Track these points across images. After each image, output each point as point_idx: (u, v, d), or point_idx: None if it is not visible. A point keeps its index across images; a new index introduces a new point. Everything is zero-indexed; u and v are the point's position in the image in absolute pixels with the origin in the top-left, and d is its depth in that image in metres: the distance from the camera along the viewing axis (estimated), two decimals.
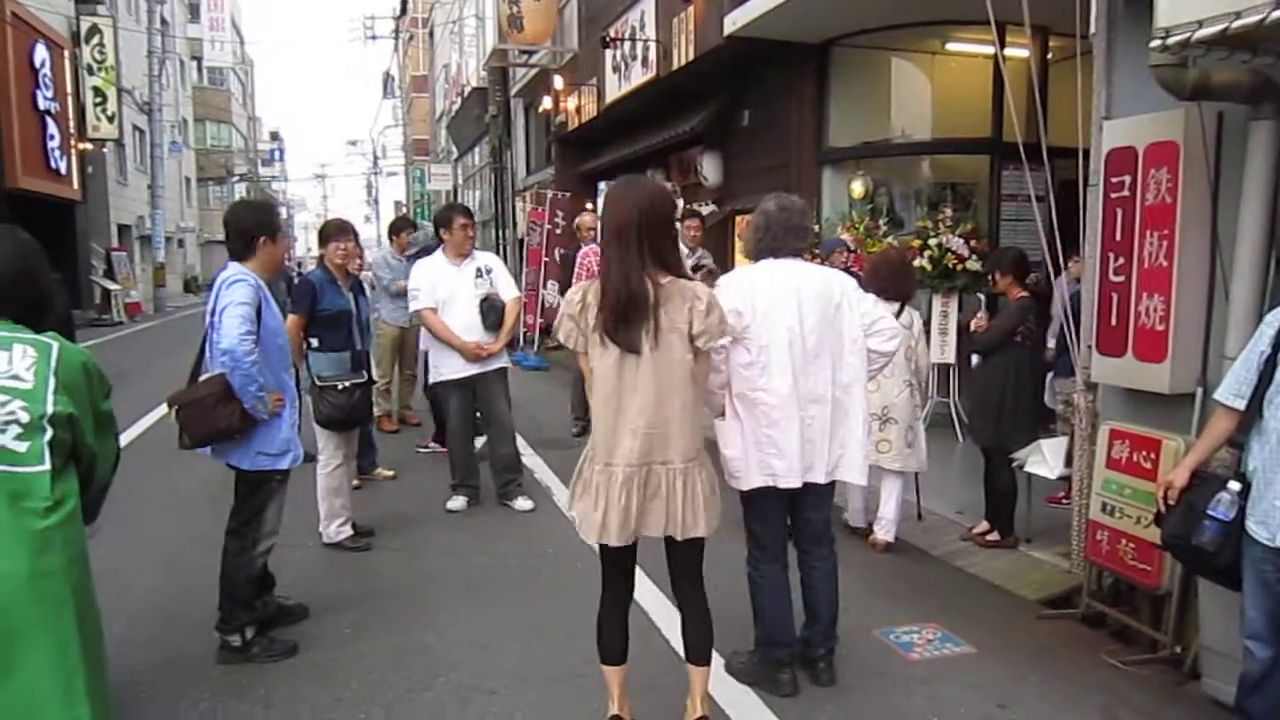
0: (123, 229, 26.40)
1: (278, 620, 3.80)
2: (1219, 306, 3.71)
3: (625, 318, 2.66)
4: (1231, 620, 3.29)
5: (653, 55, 10.24)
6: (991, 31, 7.94)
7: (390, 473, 6.39)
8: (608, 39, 10.19)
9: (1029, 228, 8.12)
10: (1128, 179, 3.92)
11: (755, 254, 3.39)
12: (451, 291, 5.28)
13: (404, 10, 21.71)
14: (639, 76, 10.63)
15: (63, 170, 19.25)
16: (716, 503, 2.86)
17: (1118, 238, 3.98)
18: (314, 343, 4.67)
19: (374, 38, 38.46)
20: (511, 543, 5.09)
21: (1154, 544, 3.70)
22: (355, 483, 5.50)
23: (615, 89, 11.56)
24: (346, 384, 4.59)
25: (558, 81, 12.46)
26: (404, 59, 34.03)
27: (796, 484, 3.24)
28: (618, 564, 2.92)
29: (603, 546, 2.82)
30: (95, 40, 20.74)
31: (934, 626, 3.96)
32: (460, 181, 27.83)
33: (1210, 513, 2.74)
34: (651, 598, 3.99)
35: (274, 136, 61.54)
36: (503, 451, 5.66)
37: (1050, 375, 5.98)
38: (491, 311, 5.27)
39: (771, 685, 3.40)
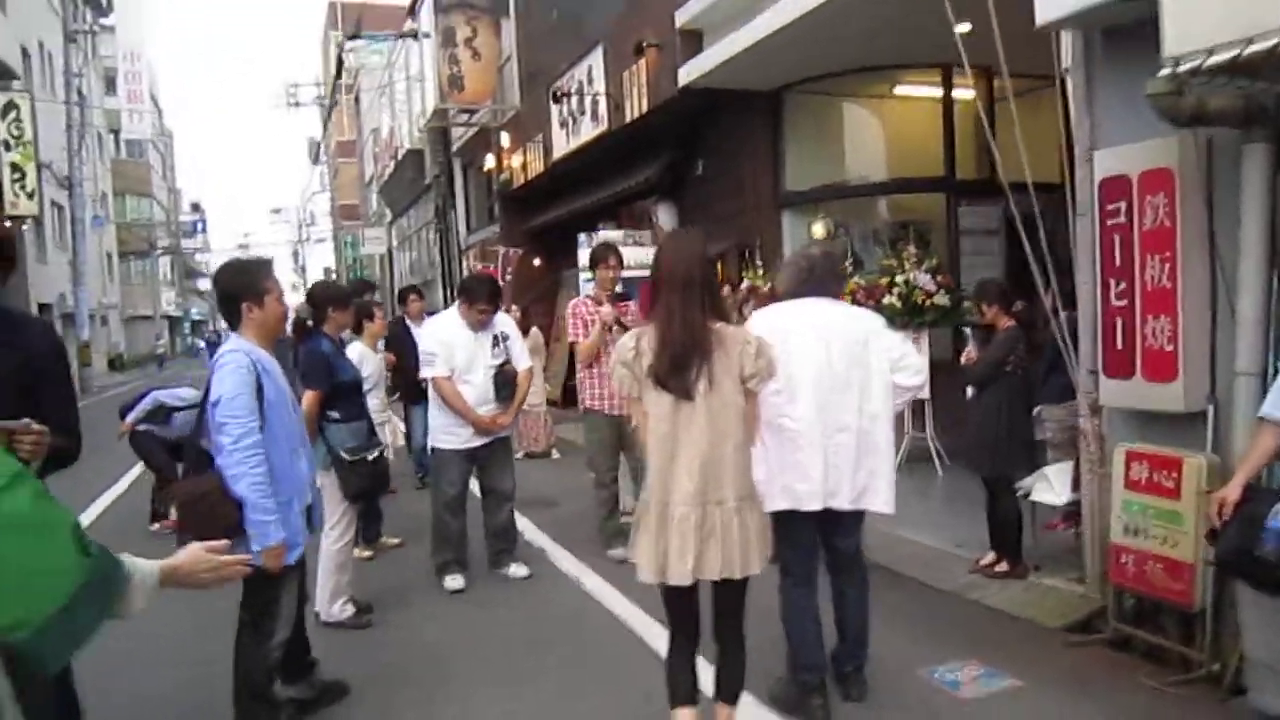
0: (43, 307, 25.39)
1: (320, 701, 3.59)
2: (1223, 324, 3.81)
3: (684, 364, 2.78)
4: (1275, 633, 3.31)
5: (603, 109, 10.31)
6: (934, 74, 8.29)
7: (397, 540, 6.11)
8: (559, 94, 10.24)
9: (987, 262, 8.35)
10: (1123, 206, 4.02)
11: (792, 294, 3.52)
12: (470, 360, 5.07)
13: (339, 74, 21.57)
14: (589, 130, 10.69)
15: None
16: (768, 539, 2.95)
17: (1117, 263, 4.06)
18: (335, 415, 4.39)
19: (297, 104, 38.16)
20: (516, 611, 4.90)
21: (1185, 562, 3.74)
22: (368, 553, 5.25)
23: (563, 144, 11.60)
24: (375, 454, 4.38)
25: (504, 139, 12.46)
26: (330, 125, 33.80)
27: (818, 507, 3.36)
28: (680, 605, 2.98)
29: (664, 588, 2.88)
30: (11, 115, 20.09)
31: (975, 662, 3.90)
32: (395, 244, 27.55)
33: (1272, 524, 2.76)
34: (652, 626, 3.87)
35: (195, 208, 60.36)
36: (501, 519, 5.45)
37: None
38: (505, 383, 5.12)
39: (804, 712, 3.44)
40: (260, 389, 3.04)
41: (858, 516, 3.52)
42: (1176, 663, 3.87)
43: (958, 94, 8.24)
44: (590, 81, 10.50)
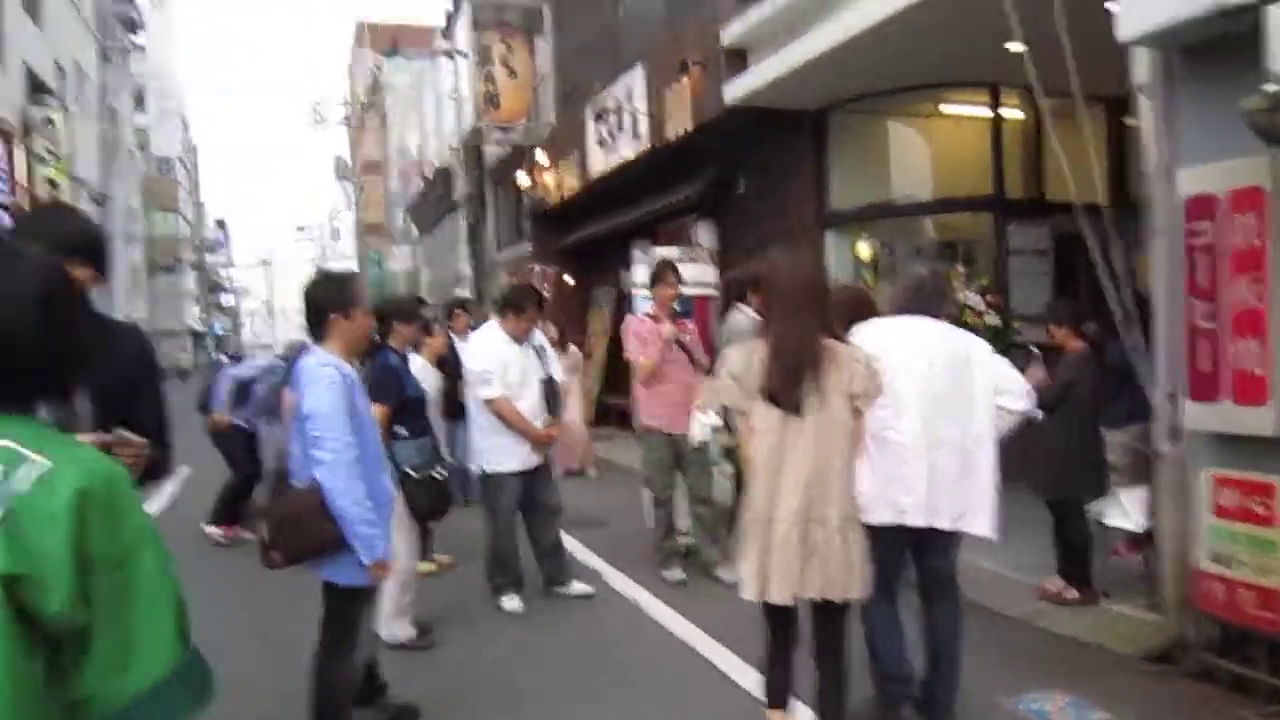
0: None
1: None
2: None
3: (795, 380, 2.84)
4: None
5: (643, 127, 10.30)
6: (982, 93, 8.23)
7: (449, 559, 6.03)
8: (603, 112, 10.24)
9: (1037, 281, 8.25)
10: (1209, 225, 3.94)
11: (899, 310, 3.52)
12: (523, 374, 4.99)
13: (374, 93, 21.73)
14: (629, 148, 10.67)
15: None
16: (867, 564, 2.95)
17: (1203, 284, 3.98)
18: (402, 432, 4.32)
19: (322, 121, 38.48)
20: (576, 632, 4.83)
21: (1277, 590, 3.63)
22: (431, 566, 5.18)
23: (601, 162, 11.59)
24: (443, 471, 4.33)
25: (542, 157, 12.48)
26: (358, 143, 34.09)
27: (921, 522, 3.31)
28: (779, 624, 3.01)
29: (765, 605, 2.92)
30: (48, 131, 20.33)
31: (1061, 693, 3.80)
32: (422, 262, 27.66)
33: None
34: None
35: (219, 224, 60.96)
36: (552, 536, 5.37)
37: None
38: (553, 395, 5.06)
39: None
40: (352, 403, 2.99)
41: (955, 538, 3.46)
42: (1265, 694, 3.76)
43: (1006, 112, 8.18)
44: (630, 99, 10.49)
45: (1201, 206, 3.97)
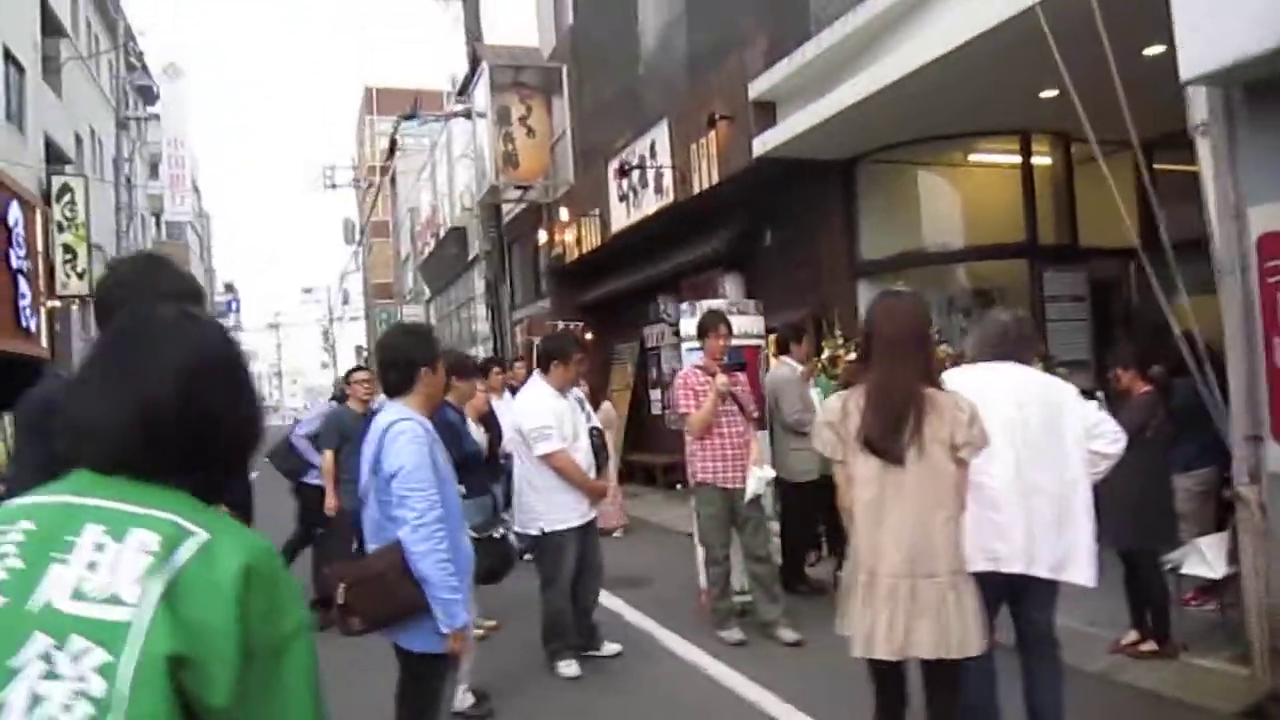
0: None
1: None
2: None
3: (896, 428, 2.74)
4: None
5: (667, 181, 10.34)
6: (1012, 140, 8.25)
7: (493, 622, 5.83)
8: (626, 168, 10.30)
9: (1074, 327, 8.18)
10: None
11: (985, 356, 3.45)
12: (575, 427, 4.89)
13: (390, 154, 21.98)
14: (652, 203, 10.71)
15: (32, 329, 18.67)
16: (982, 619, 2.81)
17: None
18: (462, 490, 4.19)
19: (334, 186, 38.94)
20: (636, 697, 4.64)
21: None
22: (480, 632, 5.00)
23: (624, 217, 11.62)
24: (504, 531, 4.18)
25: (563, 214, 12.54)
26: (368, 205, 34.46)
27: (1019, 569, 3.19)
28: (887, 681, 2.89)
29: (870, 662, 2.82)
30: (66, 198, 20.52)
31: None
32: (435, 321, 27.73)
33: None
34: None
35: (229, 288, 61.30)
36: (594, 598, 5.22)
37: None
38: (603, 445, 4.95)
39: None
40: (434, 461, 2.88)
41: (1054, 588, 3.34)
42: None
43: (1036, 160, 8.19)
44: (653, 155, 10.55)
45: (1276, 244, 3.90)
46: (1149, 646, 4.76)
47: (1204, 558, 4.55)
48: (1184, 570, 4.63)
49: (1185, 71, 4.05)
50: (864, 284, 8.79)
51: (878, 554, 2.74)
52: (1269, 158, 4.08)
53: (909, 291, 3.64)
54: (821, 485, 5.46)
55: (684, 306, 6.33)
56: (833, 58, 7.55)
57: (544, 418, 4.82)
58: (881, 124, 7.67)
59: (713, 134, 9.11)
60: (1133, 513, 4.80)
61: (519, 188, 13.62)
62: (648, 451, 12.86)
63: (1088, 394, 5.98)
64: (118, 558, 1.05)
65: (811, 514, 6.48)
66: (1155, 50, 5.43)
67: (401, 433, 2.84)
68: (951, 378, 3.41)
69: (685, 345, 6.02)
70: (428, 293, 27.84)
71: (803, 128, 7.81)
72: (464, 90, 15.38)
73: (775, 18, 8.76)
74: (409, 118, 14.72)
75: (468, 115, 13.74)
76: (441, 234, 22.52)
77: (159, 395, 1.15)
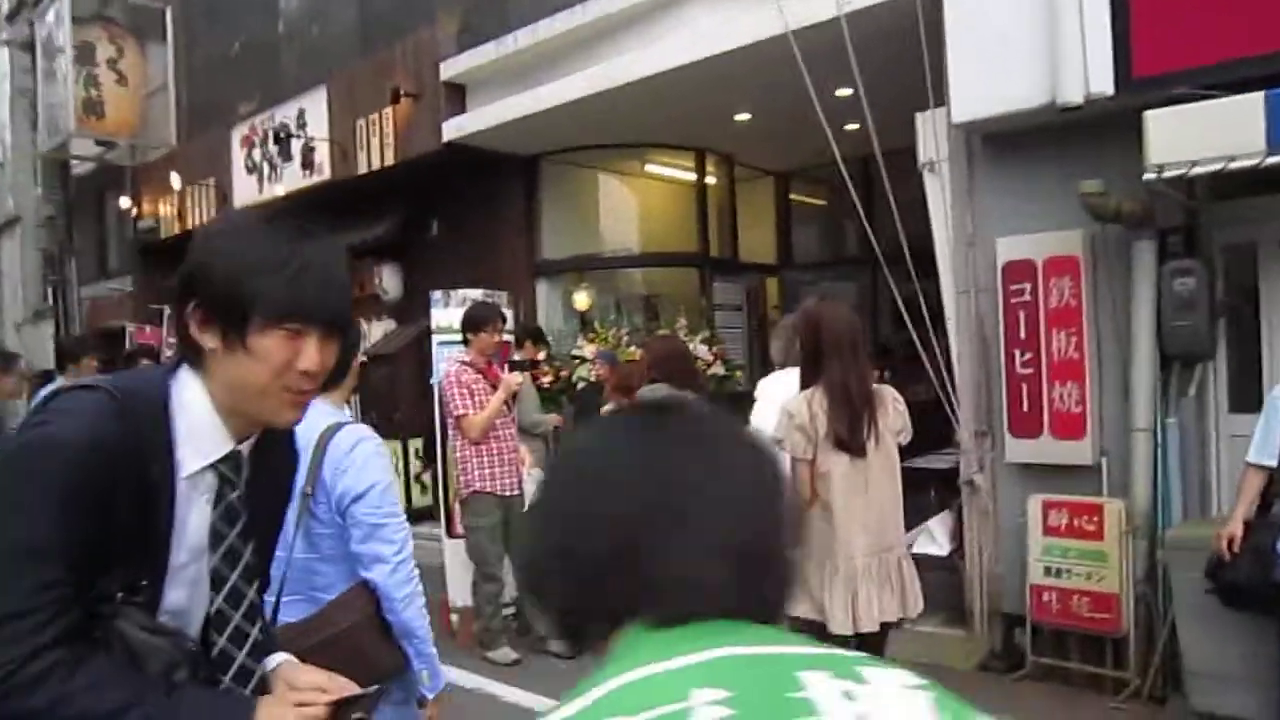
0: None
1: None
2: (1108, 388, 4.53)
3: (860, 423, 3.03)
4: (1212, 648, 3.93)
5: (320, 156, 9.31)
6: (683, 156, 8.82)
7: None
8: (280, 135, 9.01)
9: (736, 334, 8.95)
10: (1028, 286, 4.61)
11: (790, 362, 3.63)
12: None
13: None
14: (298, 179, 9.55)
15: None
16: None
17: (1023, 336, 4.63)
18: None
19: None
20: None
21: (1111, 594, 4.31)
22: None
23: (253, 192, 10.21)
24: None
25: (175, 180, 10.59)
26: None
27: None
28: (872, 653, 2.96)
29: (857, 638, 3.00)
30: None
31: None
32: None
33: None
34: None
35: None
36: None
37: None
38: None
39: None
40: None
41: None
42: (1112, 687, 4.35)
43: (710, 179, 8.82)
44: (302, 125, 9.44)
45: (1020, 270, 4.64)
46: None
47: (933, 537, 5.25)
48: (915, 550, 5.28)
49: (957, 115, 4.64)
50: (544, 283, 8.74)
51: (852, 540, 3.01)
52: (1003, 193, 4.84)
53: (834, 297, 3.84)
54: None
55: (436, 296, 5.74)
56: (544, 50, 7.38)
57: None
58: (572, 125, 7.64)
59: (390, 110, 8.40)
60: None
61: (102, 143, 11.29)
62: None
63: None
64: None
65: None
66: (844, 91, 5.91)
67: (356, 444, 2.16)
68: (768, 383, 3.82)
69: (438, 339, 5.46)
70: None
71: (511, 116, 7.49)
72: (15, 15, 12.35)
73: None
74: None
75: (30, 47, 11.05)
76: None
77: None
